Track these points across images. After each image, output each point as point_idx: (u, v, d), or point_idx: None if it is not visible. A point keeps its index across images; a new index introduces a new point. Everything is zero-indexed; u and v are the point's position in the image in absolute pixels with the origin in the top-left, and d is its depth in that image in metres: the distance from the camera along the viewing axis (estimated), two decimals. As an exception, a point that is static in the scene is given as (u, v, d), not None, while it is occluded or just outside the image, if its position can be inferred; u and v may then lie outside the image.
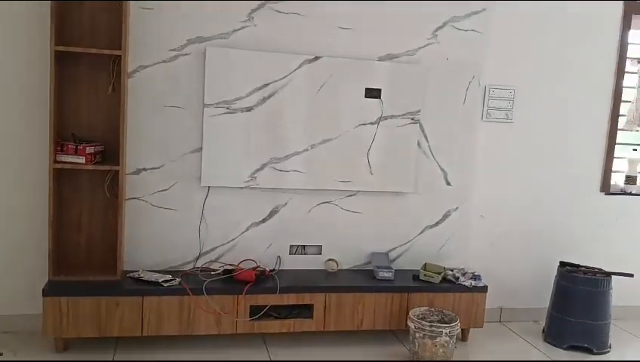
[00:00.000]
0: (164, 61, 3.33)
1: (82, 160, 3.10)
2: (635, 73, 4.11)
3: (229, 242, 3.54)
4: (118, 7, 3.13)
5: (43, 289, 3.05)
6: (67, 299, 3.05)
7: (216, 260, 3.52)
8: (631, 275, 3.70)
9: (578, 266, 3.78)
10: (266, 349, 3.37)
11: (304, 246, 3.67)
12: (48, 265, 3.14)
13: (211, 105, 3.39)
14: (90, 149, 3.13)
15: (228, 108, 3.42)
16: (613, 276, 3.67)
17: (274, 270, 3.53)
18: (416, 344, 3.24)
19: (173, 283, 3.22)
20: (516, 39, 3.83)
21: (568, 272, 3.70)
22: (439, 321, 3.34)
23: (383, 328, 3.48)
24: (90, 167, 3.13)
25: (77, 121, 3.26)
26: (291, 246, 3.64)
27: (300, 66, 3.47)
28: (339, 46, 3.54)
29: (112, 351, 3.20)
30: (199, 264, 3.50)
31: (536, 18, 3.84)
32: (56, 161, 3.09)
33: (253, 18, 3.41)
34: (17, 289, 3.33)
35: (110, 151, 3.26)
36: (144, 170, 3.37)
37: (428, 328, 3.19)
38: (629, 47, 4.04)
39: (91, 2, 3.19)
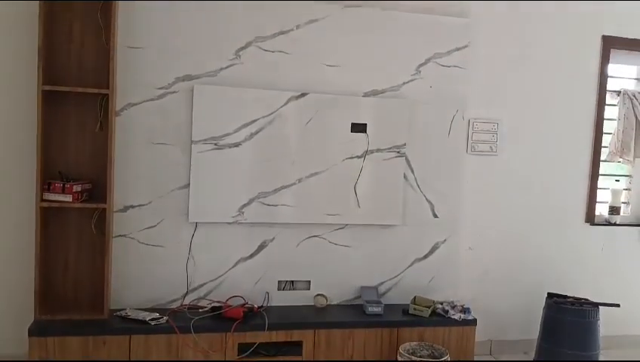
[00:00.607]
0: (152, 99, 3.35)
1: (69, 198, 3.10)
2: (616, 105, 4.19)
3: (216, 278, 3.52)
4: (105, 46, 3.17)
5: (29, 329, 3.02)
6: (53, 338, 3.01)
7: (204, 297, 3.50)
8: (617, 305, 3.73)
9: (566, 297, 3.80)
10: (255, 387, 3.34)
11: (293, 281, 3.66)
12: (34, 304, 3.10)
13: (199, 141, 3.41)
14: (77, 187, 3.13)
15: (216, 145, 3.44)
16: (600, 306, 3.70)
17: (262, 306, 3.51)
18: (407, 379, 3.22)
19: (161, 321, 3.19)
20: (498, 74, 3.92)
21: (556, 303, 3.71)
22: (429, 356, 3.33)
23: (373, 364, 3.47)
24: (77, 205, 3.13)
25: (64, 159, 3.26)
26: (280, 282, 3.63)
27: (287, 102, 3.52)
28: (325, 82, 3.59)
29: (99, 391, 3.16)
30: (187, 301, 3.48)
31: (518, 53, 3.94)
32: (43, 200, 3.08)
33: (240, 56, 3.46)
34: (3, 329, 3.29)
35: (98, 188, 3.26)
36: (132, 207, 3.37)
37: (418, 363, 3.18)
38: (609, 80, 4.14)
39: (80, 40, 3.23)
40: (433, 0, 3.73)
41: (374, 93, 3.68)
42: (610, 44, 4.09)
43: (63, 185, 3.11)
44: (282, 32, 3.51)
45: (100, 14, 3.20)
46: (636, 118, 4.15)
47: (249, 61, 3.47)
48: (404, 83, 3.72)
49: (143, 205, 3.39)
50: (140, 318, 3.18)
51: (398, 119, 3.70)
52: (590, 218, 4.17)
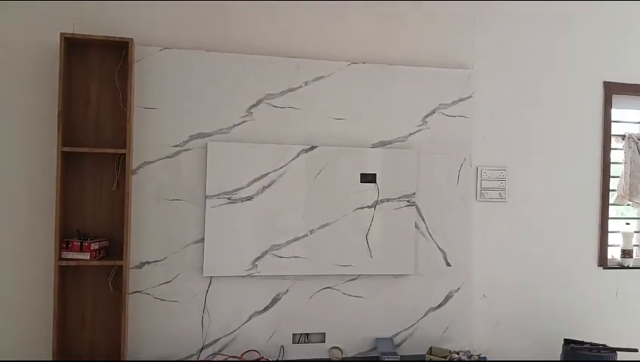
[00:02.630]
0: (167, 156, 3.45)
1: (87, 256, 3.16)
2: (621, 149, 4.26)
3: (231, 333, 3.53)
4: (121, 107, 3.29)
5: (46, 389, 3.04)
6: (70, 398, 3.03)
7: (219, 352, 3.50)
8: (635, 350, 3.69)
9: (582, 343, 3.77)
10: None
11: (307, 334, 3.66)
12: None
13: (213, 196, 3.49)
14: (94, 245, 3.20)
15: (229, 199, 3.51)
16: (618, 351, 3.66)
17: (278, 361, 3.51)
18: None
19: (177, 377, 3.21)
20: (503, 122, 3.99)
21: (573, 350, 3.68)
22: (447, 407, 3.30)
23: (390, 416, 3.43)
24: (94, 262, 3.18)
25: (82, 217, 3.34)
26: (294, 335, 3.63)
27: (297, 156, 3.60)
28: (333, 135, 3.69)
29: None
30: (203, 356, 3.48)
31: (521, 101, 4.02)
32: (61, 258, 3.14)
33: (251, 113, 3.57)
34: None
35: (114, 245, 3.33)
36: (147, 263, 3.42)
37: (436, 415, 3.15)
38: (614, 124, 4.21)
39: (98, 103, 3.36)
40: (435, 54, 3.88)
41: (382, 144, 3.77)
42: (612, 90, 4.18)
43: (81, 243, 3.17)
44: (291, 89, 3.63)
45: (117, 78, 3.34)
46: (642, 161, 4.21)
47: (260, 117, 3.58)
48: (410, 134, 3.80)
49: (159, 261, 3.44)
50: (157, 375, 3.20)
51: (407, 169, 3.77)
52: (602, 262, 4.16)
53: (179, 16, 3.53)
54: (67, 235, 3.24)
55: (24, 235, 3.33)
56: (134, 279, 3.39)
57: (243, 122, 3.56)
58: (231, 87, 3.54)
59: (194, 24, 3.55)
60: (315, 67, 3.67)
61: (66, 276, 3.27)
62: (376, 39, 3.81)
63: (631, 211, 4.39)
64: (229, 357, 3.46)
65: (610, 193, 4.20)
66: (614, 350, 3.67)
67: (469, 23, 3.95)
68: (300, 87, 3.65)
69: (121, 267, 3.25)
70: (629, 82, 4.21)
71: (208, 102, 3.51)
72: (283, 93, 3.62)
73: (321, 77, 3.68)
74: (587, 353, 3.64)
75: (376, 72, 3.75)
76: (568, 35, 4.13)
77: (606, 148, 4.17)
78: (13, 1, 3.32)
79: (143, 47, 3.42)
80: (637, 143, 4.21)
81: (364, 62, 3.74)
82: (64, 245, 3.17)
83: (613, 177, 4.22)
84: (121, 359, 3.20)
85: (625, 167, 4.23)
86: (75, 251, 3.17)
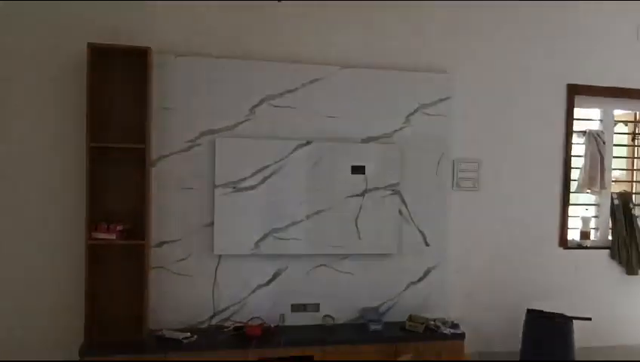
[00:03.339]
0: (181, 151, 3.91)
1: (113, 236, 3.63)
2: (582, 144, 4.75)
3: (238, 302, 4.02)
4: (142, 108, 3.73)
5: (80, 350, 3.50)
6: (101, 357, 3.49)
7: (228, 318, 3.99)
8: (589, 319, 4.18)
9: (543, 312, 4.24)
10: (273, 397, 3.76)
11: (304, 304, 4.13)
12: (84, 327, 3.59)
13: (220, 185, 3.94)
14: (119, 227, 3.66)
15: (234, 188, 3.97)
16: (574, 320, 4.16)
17: (278, 326, 3.96)
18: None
19: (192, 339, 3.68)
20: (478, 120, 4.46)
21: (534, 318, 4.18)
22: (423, 365, 3.80)
23: (375, 375, 3.89)
24: (120, 242, 3.66)
25: (109, 203, 3.78)
26: (293, 305, 4.10)
27: (294, 150, 4.04)
28: (327, 131, 4.13)
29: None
30: (213, 322, 3.97)
31: (493, 101, 4.49)
32: (91, 238, 3.61)
33: (254, 112, 4.02)
34: (56, 349, 3.76)
35: (137, 227, 3.76)
36: (166, 242, 3.91)
37: (413, 371, 3.65)
38: (577, 121, 4.69)
39: (121, 104, 3.80)
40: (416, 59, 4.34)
41: (370, 139, 4.20)
42: (574, 92, 4.64)
43: (108, 225, 3.65)
44: (289, 91, 4.07)
45: (138, 81, 3.74)
46: (600, 154, 4.70)
47: (261, 116, 4.02)
48: (395, 130, 4.24)
49: (175, 241, 3.92)
50: (174, 337, 3.67)
51: (392, 161, 4.20)
52: (563, 242, 4.65)
53: (191, 28, 3.97)
54: (96, 218, 3.70)
55: (59, 219, 3.81)
56: (154, 256, 3.87)
57: (246, 120, 4.01)
58: (236, 89, 3.98)
59: (204, 34, 3.99)
60: (311, 71, 4.11)
61: (96, 253, 3.71)
62: (365, 46, 4.25)
63: (590, 198, 4.87)
64: (237, 322, 3.96)
65: (572, 182, 4.69)
66: (570, 318, 4.17)
67: (448, 32, 4.41)
68: (297, 88, 4.09)
69: (143, 246, 3.71)
70: (590, 84, 4.67)
71: (216, 103, 3.95)
72: (282, 94, 4.06)
73: (316, 80, 4.11)
74: (546, 321, 4.12)
75: (364, 75, 4.20)
76: (536, 42, 4.58)
77: (568, 143, 4.65)
78: (46, 12, 3.78)
79: (160, 54, 3.86)
80: (596, 139, 4.71)
81: (354, 67, 4.19)
82: (94, 227, 3.64)
83: (575, 168, 4.71)
84: (144, 324, 3.69)
85: (585, 159, 4.72)
86: (103, 232, 3.64)
